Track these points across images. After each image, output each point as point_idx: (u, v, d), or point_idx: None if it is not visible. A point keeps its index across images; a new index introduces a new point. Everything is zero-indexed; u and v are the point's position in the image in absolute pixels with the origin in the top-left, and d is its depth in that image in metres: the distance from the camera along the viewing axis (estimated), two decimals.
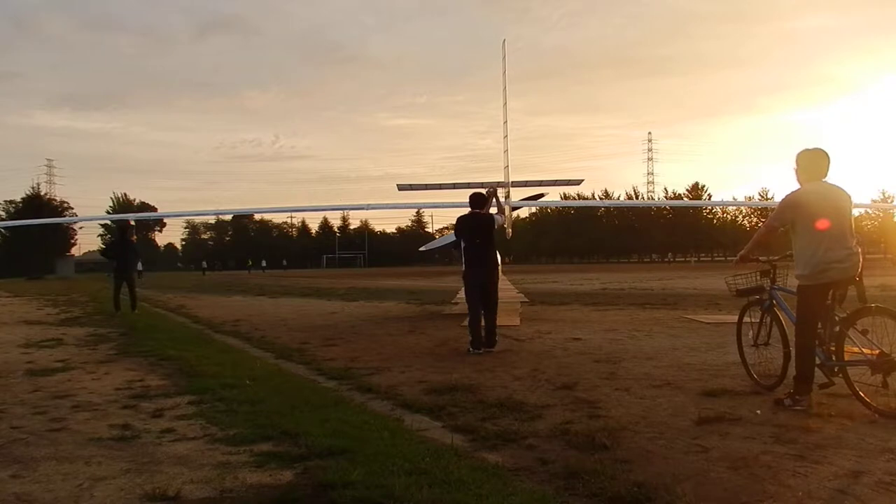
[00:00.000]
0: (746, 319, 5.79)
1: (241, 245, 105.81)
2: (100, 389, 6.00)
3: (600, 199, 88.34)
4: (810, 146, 4.98)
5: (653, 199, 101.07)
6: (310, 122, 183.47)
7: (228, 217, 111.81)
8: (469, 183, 14.03)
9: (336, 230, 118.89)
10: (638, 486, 3.14)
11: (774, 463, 3.54)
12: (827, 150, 4.91)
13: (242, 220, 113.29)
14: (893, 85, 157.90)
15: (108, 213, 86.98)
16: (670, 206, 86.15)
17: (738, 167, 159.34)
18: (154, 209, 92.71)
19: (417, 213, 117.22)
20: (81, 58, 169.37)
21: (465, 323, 8.58)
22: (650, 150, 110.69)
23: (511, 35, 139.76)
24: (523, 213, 73.40)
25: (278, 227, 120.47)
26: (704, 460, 3.61)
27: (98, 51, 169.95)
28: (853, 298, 4.82)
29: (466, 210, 8.63)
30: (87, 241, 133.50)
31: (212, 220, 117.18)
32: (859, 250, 4.78)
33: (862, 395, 4.51)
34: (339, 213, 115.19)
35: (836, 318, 4.76)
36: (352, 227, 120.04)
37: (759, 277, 5.60)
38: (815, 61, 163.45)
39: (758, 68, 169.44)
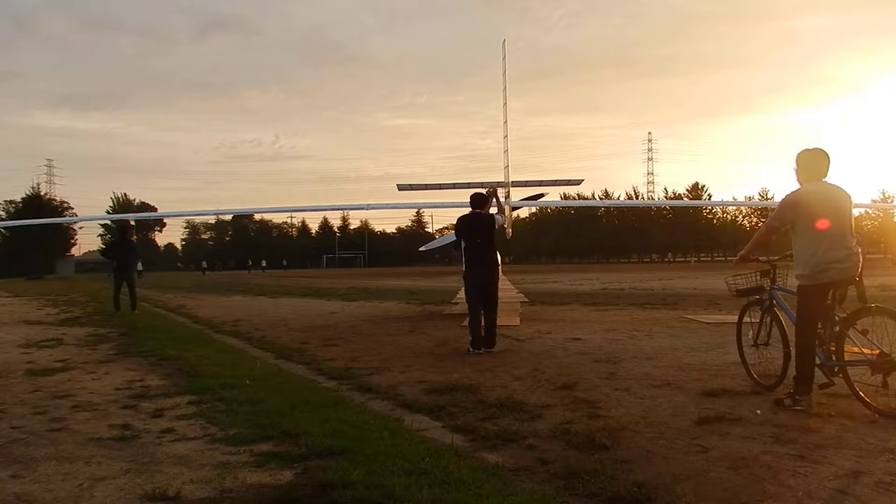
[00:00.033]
0: (746, 319, 5.79)
1: (241, 245, 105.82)
2: (100, 389, 6.00)
3: (600, 199, 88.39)
4: (810, 146, 4.98)
5: (653, 199, 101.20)
6: (310, 122, 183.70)
7: (228, 217, 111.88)
8: (469, 183, 14.04)
9: (336, 230, 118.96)
10: (638, 486, 3.14)
11: (774, 463, 3.54)
12: (827, 151, 4.91)
13: (242, 220, 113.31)
14: (893, 85, 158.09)
15: (108, 213, 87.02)
16: (670, 206, 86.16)
17: (738, 167, 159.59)
18: (154, 209, 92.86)
19: (417, 213, 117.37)
20: (81, 58, 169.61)
21: (465, 323, 8.59)
22: (650, 150, 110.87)
23: (511, 35, 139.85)
24: (523, 213, 73.48)
25: (278, 227, 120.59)
26: (704, 460, 3.61)
27: (98, 51, 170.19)
28: (853, 298, 4.82)
29: (466, 210, 8.64)
30: (87, 241, 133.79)
31: (212, 220, 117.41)
32: (859, 250, 4.78)
33: (862, 395, 4.51)
34: (339, 213, 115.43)
35: (837, 318, 4.76)
36: (352, 227, 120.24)
37: (759, 277, 5.60)
38: (815, 61, 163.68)
39: (758, 68, 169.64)
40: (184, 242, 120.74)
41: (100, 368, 7.22)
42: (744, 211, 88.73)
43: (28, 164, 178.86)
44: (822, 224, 4.68)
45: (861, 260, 4.75)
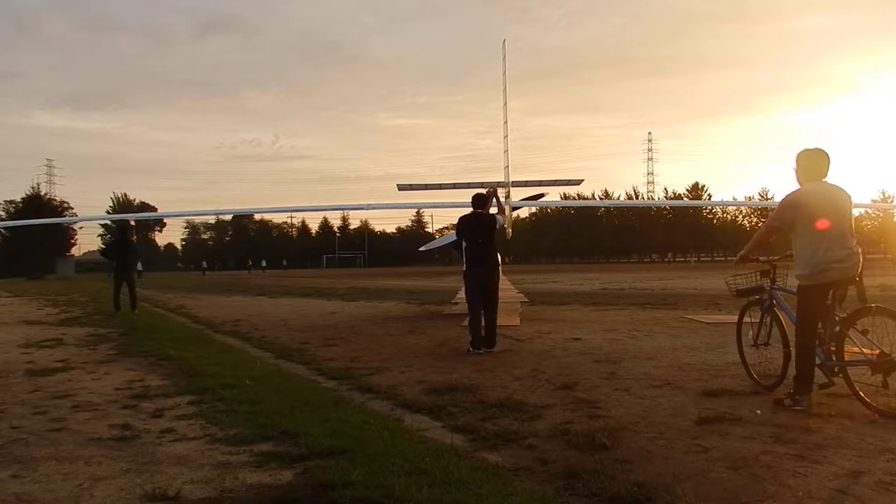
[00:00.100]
0: (746, 319, 5.79)
1: (241, 245, 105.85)
2: (100, 389, 6.00)
3: (600, 199, 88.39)
4: (810, 146, 4.98)
5: (653, 199, 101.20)
6: (310, 122, 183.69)
7: (228, 217, 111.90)
8: (469, 183, 14.05)
9: (336, 230, 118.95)
10: (638, 486, 3.14)
11: (774, 463, 3.54)
12: (827, 151, 4.91)
13: (242, 220, 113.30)
14: (893, 85, 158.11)
15: (108, 213, 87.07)
16: (670, 206, 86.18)
17: (738, 167, 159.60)
18: (154, 209, 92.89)
19: (417, 213, 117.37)
20: (81, 58, 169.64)
21: (465, 323, 8.59)
22: (650, 150, 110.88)
23: (511, 35, 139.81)
24: (523, 213, 73.48)
25: (278, 227, 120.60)
26: (704, 460, 3.61)
27: (98, 51, 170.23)
28: (853, 298, 4.82)
29: (466, 210, 8.64)
30: (87, 241, 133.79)
31: (212, 220, 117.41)
32: (859, 250, 4.78)
33: (862, 395, 4.51)
34: (339, 213, 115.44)
35: (837, 318, 4.76)
36: (352, 227, 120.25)
37: (759, 277, 5.60)
38: (815, 61, 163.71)
39: (758, 68, 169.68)
40: (184, 242, 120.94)
41: (100, 368, 7.22)
42: (744, 211, 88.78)
43: (28, 164, 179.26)
44: (822, 224, 4.68)
45: (861, 260, 4.75)
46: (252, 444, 4.03)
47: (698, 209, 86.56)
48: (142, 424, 4.64)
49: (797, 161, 4.99)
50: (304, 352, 8.21)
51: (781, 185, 79.08)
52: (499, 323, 8.36)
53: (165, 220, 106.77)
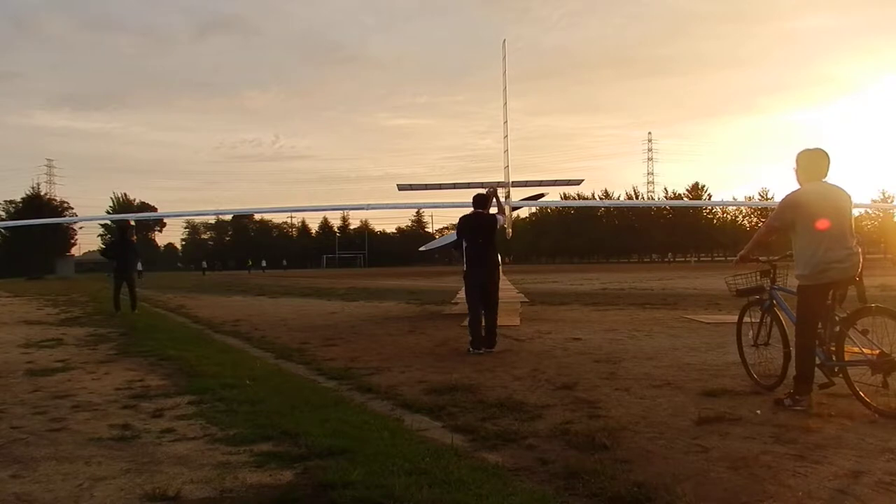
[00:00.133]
0: (746, 319, 5.79)
1: (241, 245, 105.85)
2: (100, 389, 6.00)
3: (600, 199, 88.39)
4: (810, 146, 4.98)
5: (653, 199, 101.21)
6: (310, 122, 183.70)
7: (228, 217, 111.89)
8: (469, 183, 14.06)
9: (336, 230, 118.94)
10: (638, 486, 3.14)
11: (774, 463, 3.54)
12: (827, 151, 4.92)
13: (242, 220, 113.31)
14: (893, 85, 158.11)
15: (108, 213, 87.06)
16: (670, 206, 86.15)
17: (738, 167, 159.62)
18: (154, 209, 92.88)
19: (417, 213, 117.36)
20: (81, 58, 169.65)
21: (465, 323, 8.59)
22: (650, 150, 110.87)
23: (511, 35, 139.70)
24: (523, 213, 73.48)
25: (278, 227, 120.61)
26: (704, 460, 3.61)
27: (98, 51, 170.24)
28: (853, 298, 4.82)
29: (466, 210, 8.65)
30: (87, 241, 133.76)
31: (212, 220, 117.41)
32: (859, 250, 4.78)
33: (862, 395, 4.51)
34: (339, 213, 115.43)
35: (837, 318, 4.76)
36: (352, 227, 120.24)
37: (759, 277, 5.60)
38: (815, 61, 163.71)
39: (758, 68, 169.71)
40: (184, 242, 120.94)
41: (100, 368, 7.22)
42: (744, 211, 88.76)
43: (28, 164, 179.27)
44: (822, 224, 4.68)
45: (861, 260, 4.75)
46: (252, 444, 4.02)
47: (698, 209, 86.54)
48: (142, 424, 4.64)
49: (797, 161, 4.99)
50: (304, 352, 8.21)
51: (781, 185, 79.16)
52: (499, 323, 8.36)
53: (165, 220, 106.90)
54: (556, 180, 17.08)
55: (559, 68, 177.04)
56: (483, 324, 7.98)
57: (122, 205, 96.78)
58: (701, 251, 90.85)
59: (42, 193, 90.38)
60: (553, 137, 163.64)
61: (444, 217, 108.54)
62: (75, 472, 3.61)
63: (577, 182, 22.20)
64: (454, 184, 14.85)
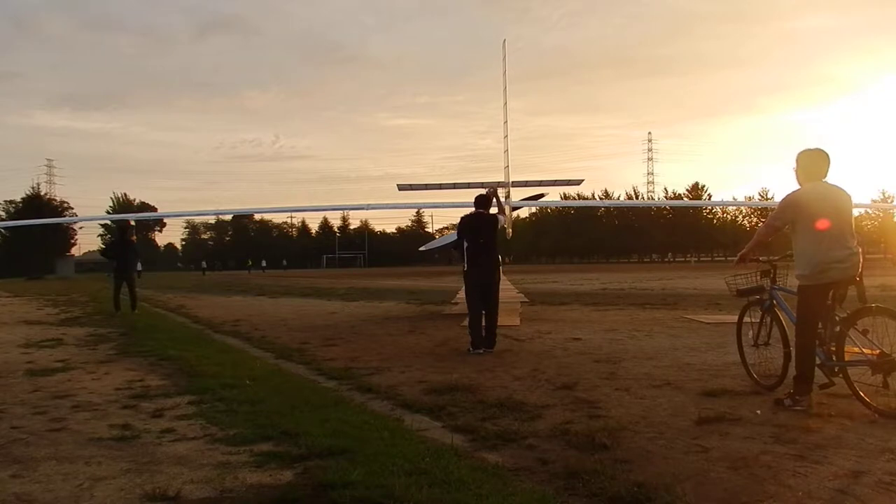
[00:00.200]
0: (746, 319, 5.79)
1: (241, 245, 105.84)
2: (100, 389, 6.00)
3: (600, 199, 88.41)
4: (810, 146, 4.99)
5: (653, 199, 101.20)
6: (310, 122, 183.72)
7: (228, 217, 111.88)
8: (469, 183, 14.08)
9: (336, 230, 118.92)
10: (638, 486, 3.14)
11: (774, 463, 3.54)
12: (827, 151, 4.92)
13: (242, 220, 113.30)
14: (893, 85, 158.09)
15: (108, 213, 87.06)
16: (670, 206, 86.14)
17: (738, 167, 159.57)
18: (154, 209, 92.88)
19: (417, 213, 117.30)
20: (81, 58, 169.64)
21: (465, 323, 8.59)
22: (650, 150, 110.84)
23: (511, 35, 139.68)
24: (523, 213, 73.50)
25: (278, 227, 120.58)
26: (704, 460, 3.61)
27: (98, 51, 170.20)
28: (853, 298, 4.82)
29: (466, 210, 8.67)
30: (87, 241, 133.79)
31: (212, 220, 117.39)
32: (860, 250, 4.78)
33: (862, 395, 4.51)
34: (339, 213, 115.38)
35: (837, 318, 4.76)
36: (352, 227, 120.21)
37: (759, 277, 5.60)
38: (815, 61, 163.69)
39: (758, 68, 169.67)
40: (184, 242, 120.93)
41: (100, 368, 7.22)
42: (744, 211, 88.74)
43: (28, 164, 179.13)
44: (822, 224, 4.68)
45: (861, 260, 4.76)
46: (252, 444, 4.02)
47: (698, 209, 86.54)
48: (142, 424, 4.64)
49: (797, 161, 4.99)
50: (304, 352, 8.21)
51: (781, 185, 79.11)
52: (499, 323, 8.37)
53: (165, 220, 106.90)
54: (556, 180, 17.10)
55: (559, 68, 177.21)
56: (483, 324, 7.98)
57: (122, 205, 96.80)
58: (701, 251, 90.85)
59: (42, 193, 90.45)
60: (553, 137, 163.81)
61: (444, 217, 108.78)
62: (75, 472, 3.61)
63: (577, 182, 22.22)
64: (454, 184, 14.86)
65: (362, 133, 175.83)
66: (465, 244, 8.34)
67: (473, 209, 8.55)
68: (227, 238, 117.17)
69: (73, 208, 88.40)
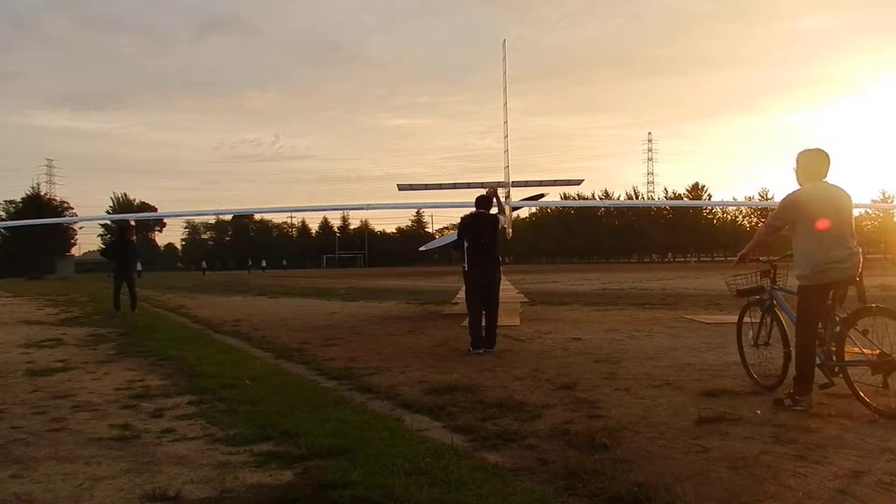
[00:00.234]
0: (747, 319, 5.79)
1: (241, 245, 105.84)
2: (100, 389, 6.00)
3: (600, 199, 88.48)
4: (810, 146, 4.99)
5: (653, 199, 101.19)
6: (310, 122, 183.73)
7: (228, 217, 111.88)
8: (469, 183, 14.08)
9: (336, 230, 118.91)
10: (638, 486, 3.14)
11: (774, 463, 3.54)
12: (827, 151, 4.92)
13: (242, 220, 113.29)
14: (893, 85, 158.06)
15: (108, 213, 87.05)
16: (670, 206, 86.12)
17: (738, 167, 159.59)
18: (154, 209, 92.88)
19: (417, 213, 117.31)
20: (81, 58, 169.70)
21: (465, 323, 8.59)
22: (650, 150, 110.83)
23: (511, 35, 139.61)
24: (523, 213, 73.47)
25: (278, 227, 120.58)
26: (704, 460, 3.61)
27: (98, 51, 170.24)
28: (853, 298, 4.82)
29: (466, 210, 8.68)
30: (87, 241, 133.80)
31: (212, 220, 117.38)
32: (860, 250, 4.78)
33: (862, 395, 4.51)
34: (339, 213, 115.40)
35: (837, 318, 4.76)
36: (352, 227, 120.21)
37: (759, 277, 5.60)
38: (815, 61, 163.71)
39: (758, 68, 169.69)
40: (184, 242, 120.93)
41: (100, 368, 7.21)
42: (744, 211, 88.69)
43: (28, 164, 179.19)
44: (822, 224, 4.68)
45: (861, 260, 4.76)
46: (252, 444, 4.02)
47: (698, 209, 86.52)
48: (142, 424, 4.64)
49: (797, 161, 4.99)
50: (304, 352, 8.21)
51: (781, 185, 79.13)
52: (499, 323, 8.37)
53: (165, 220, 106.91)
54: (556, 180, 17.10)
55: (559, 68, 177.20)
56: (483, 324, 7.98)
57: (122, 205, 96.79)
58: (701, 251, 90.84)
59: (42, 193, 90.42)
60: (553, 137, 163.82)
61: (444, 217, 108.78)
62: (75, 472, 3.61)
63: (577, 182, 22.19)
64: (454, 184, 14.86)
65: (362, 133, 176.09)
66: (466, 244, 8.35)
67: (474, 209, 8.56)
68: (227, 238, 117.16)
69: (73, 208, 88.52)
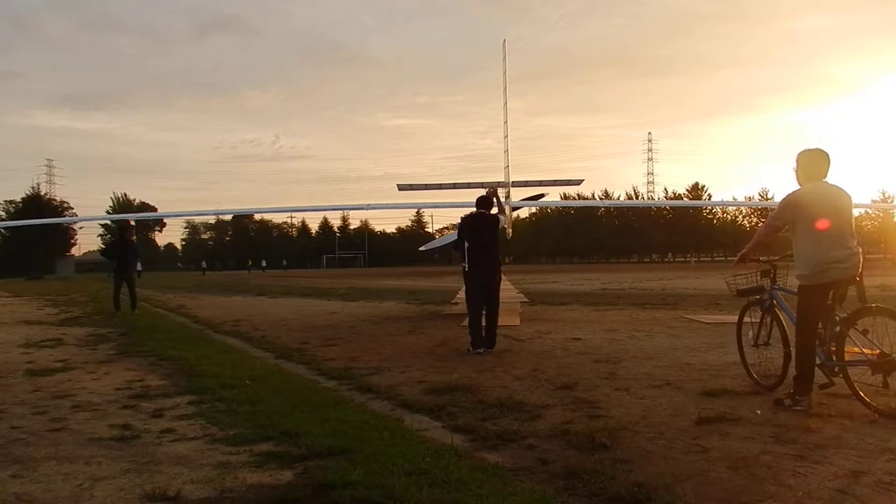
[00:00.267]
0: (747, 319, 5.79)
1: (241, 245, 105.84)
2: (100, 389, 6.00)
3: (600, 199, 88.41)
4: (810, 146, 4.99)
5: (653, 199, 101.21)
6: (310, 122, 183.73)
7: (228, 217, 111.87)
8: (469, 183, 14.10)
9: (336, 230, 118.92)
10: (638, 486, 3.13)
11: (774, 463, 3.54)
12: (827, 151, 4.92)
13: (242, 220, 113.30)
14: (893, 85, 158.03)
15: (108, 213, 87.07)
16: (670, 206, 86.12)
17: (738, 167, 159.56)
18: (154, 209, 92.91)
19: (417, 213, 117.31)
20: (81, 58, 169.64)
21: (465, 323, 8.59)
22: (650, 150, 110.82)
23: (511, 35, 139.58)
24: (523, 213, 73.49)
25: (278, 227, 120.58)
26: (704, 460, 3.61)
27: (98, 51, 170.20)
28: (853, 298, 4.82)
29: (466, 210, 8.69)
30: (87, 241, 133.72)
31: (212, 220, 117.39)
32: (860, 250, 4.78)
33: (862, 395, 4.51)
34: (339, 213, 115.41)
35: (837, 318, 4.76)
36: (352, 227, 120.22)
37: (759, 277, 5.60)
38: (815, 61, 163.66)
39: (758, 68, 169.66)
40: (184, 242, 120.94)
41: (100, 368, 7.21)
42: (744, 211, 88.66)
43: (28, 164, 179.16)
44: (822, 224, 4.68)
45: (861, 260, 4.76)
46: (252, 444, 4.02)
47: (698, 209, 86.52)
48: (142, 424, 4.64)
49: (797, 161, 4.99)
50: (304, 352, 8.21)
51: (781, 185, 79.12)
52: (499, 323, 8.37)
53: (165, 220, 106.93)
54: (556, 180, 17.12)
55: (559, 68, 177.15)
56: (483, 324, 7.98)
57: (122, 205, 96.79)
58: (701, 251, 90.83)
59: (42, 193, 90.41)
60: (553, 137, 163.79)
61: (444, 217, 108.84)
62: (75, 472, 3.61)
63: (577, 182, 22.24)
64: (454, 184, 14.87)
65: (362, 133, 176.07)
66: (466, 244, 8.35)
67: (474, 209, 8.56)
68: (227, 238, 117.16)
69: (73, 208, 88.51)
